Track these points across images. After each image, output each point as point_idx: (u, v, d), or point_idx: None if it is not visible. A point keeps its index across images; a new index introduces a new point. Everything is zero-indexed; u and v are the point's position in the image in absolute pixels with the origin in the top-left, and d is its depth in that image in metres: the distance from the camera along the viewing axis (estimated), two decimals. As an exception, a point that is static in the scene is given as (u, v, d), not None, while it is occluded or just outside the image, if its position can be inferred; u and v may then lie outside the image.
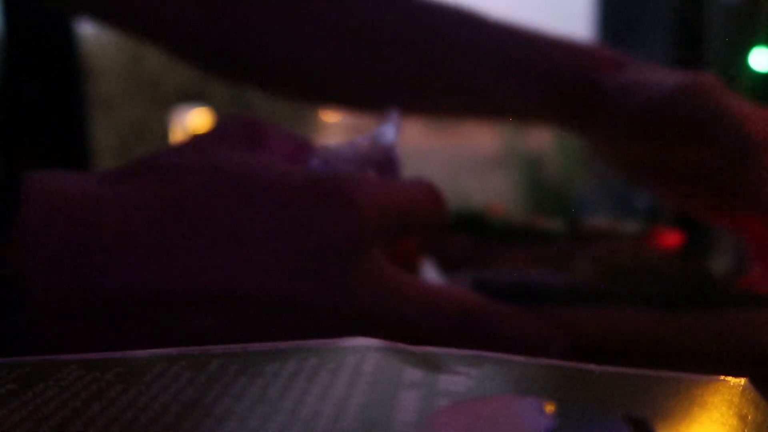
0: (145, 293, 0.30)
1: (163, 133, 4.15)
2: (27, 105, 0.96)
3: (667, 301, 0.45)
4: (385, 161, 0.40)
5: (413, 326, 0.33)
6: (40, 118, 0.48)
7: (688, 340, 0.44)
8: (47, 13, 0.95)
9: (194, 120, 4.00)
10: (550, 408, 0.21)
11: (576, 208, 1.79)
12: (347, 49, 0.53)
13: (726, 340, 0.44)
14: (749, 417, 0.22)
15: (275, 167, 0.34)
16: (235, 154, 0.34)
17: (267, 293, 0.31)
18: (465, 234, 0.68)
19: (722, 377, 0.24)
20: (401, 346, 0.25)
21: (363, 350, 0.24)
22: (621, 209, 1.29)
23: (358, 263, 0.32)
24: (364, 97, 0.55)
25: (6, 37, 0.94)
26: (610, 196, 1.42)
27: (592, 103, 0.49)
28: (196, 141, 0.36)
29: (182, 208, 0.32)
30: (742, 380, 0.24)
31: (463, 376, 0.23)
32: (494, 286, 0.47)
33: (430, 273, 0.53)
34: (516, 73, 0.53)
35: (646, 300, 0.45)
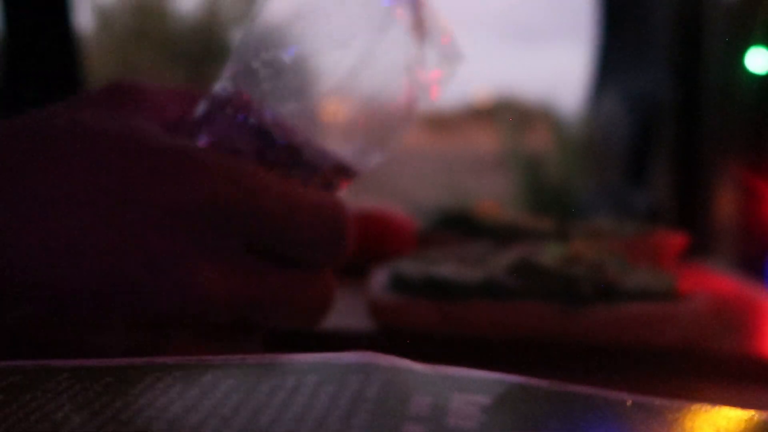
0: None
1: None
2: (26, 105, 0.96)
3: (568, 297, 0.46)
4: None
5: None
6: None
7: (585, 333, 0.46)
8: (47, 13, 0.95)
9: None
10: None
11: (576, 209, 1.79)
12: None
13: (618, 332, 0.46)
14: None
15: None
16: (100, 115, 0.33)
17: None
18: (452, 231, 0.68)
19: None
20: (410, 364, 0.23)
21: (368, 369, 0.22)
22: (621, 210, 1.29)
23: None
24: None
25: (6, 37, 0.94)
26: (610, 197, 1.42)
27: None
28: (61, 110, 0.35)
29: None
30: None
31: (474, 407, 0.21)
32: (409, 279, 0.49)
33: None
34: None
35: (549, 296, 0.47)
